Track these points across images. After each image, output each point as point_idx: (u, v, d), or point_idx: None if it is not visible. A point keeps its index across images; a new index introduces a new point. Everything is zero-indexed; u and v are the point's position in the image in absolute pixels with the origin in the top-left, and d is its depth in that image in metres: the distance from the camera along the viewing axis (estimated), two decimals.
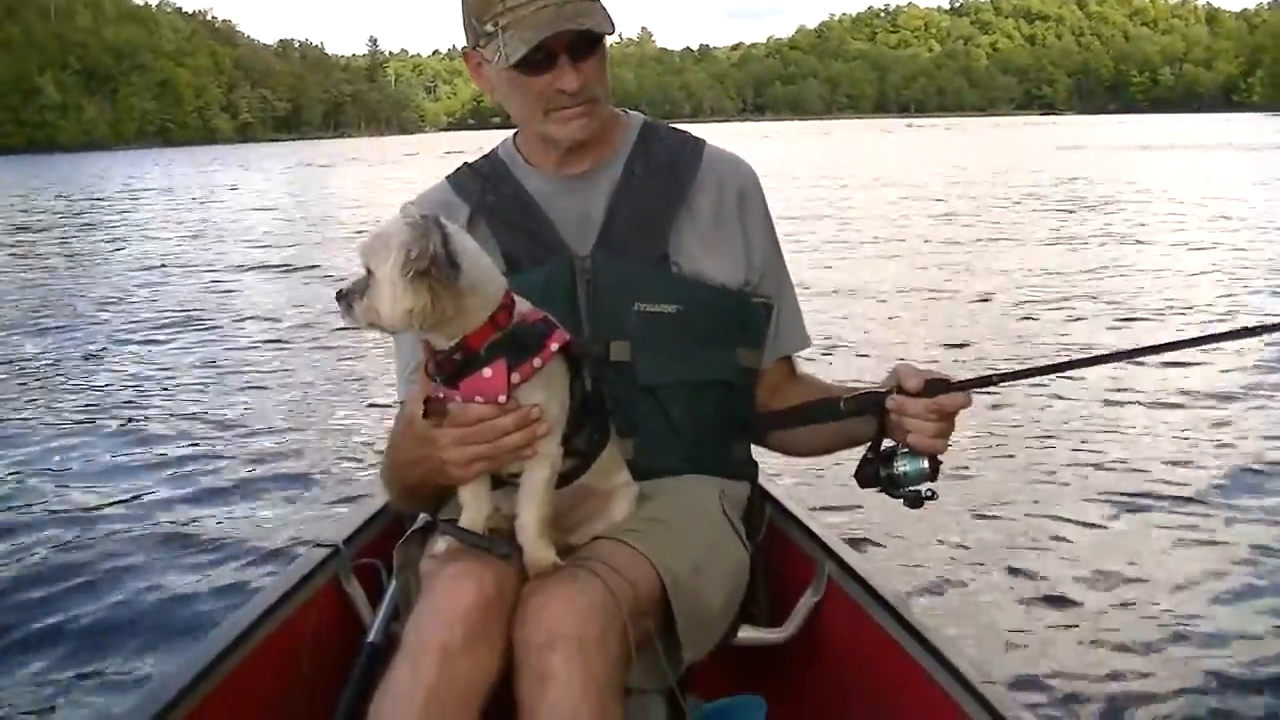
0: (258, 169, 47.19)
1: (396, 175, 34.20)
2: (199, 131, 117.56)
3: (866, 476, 1.72)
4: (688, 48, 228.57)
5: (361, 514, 2.25)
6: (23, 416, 6.65)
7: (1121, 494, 4.70)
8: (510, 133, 1.96)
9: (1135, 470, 5.00)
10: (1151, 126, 71.12)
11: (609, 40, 1.75)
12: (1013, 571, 3.96)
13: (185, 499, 5.04)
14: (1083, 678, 3.21)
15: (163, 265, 14.52)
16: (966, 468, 4.93)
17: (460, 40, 1.82)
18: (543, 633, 1.44)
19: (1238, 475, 4.94)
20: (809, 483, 4.23)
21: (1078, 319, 8.80)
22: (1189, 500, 4.64)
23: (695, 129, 2.03)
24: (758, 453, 1.98)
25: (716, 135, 2.15)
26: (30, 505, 4.98)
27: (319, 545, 2.07)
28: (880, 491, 1.72)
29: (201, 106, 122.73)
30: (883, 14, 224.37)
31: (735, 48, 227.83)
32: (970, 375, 1.74)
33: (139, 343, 9.12)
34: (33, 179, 41.04)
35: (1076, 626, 3.54)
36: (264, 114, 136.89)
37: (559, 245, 1.81)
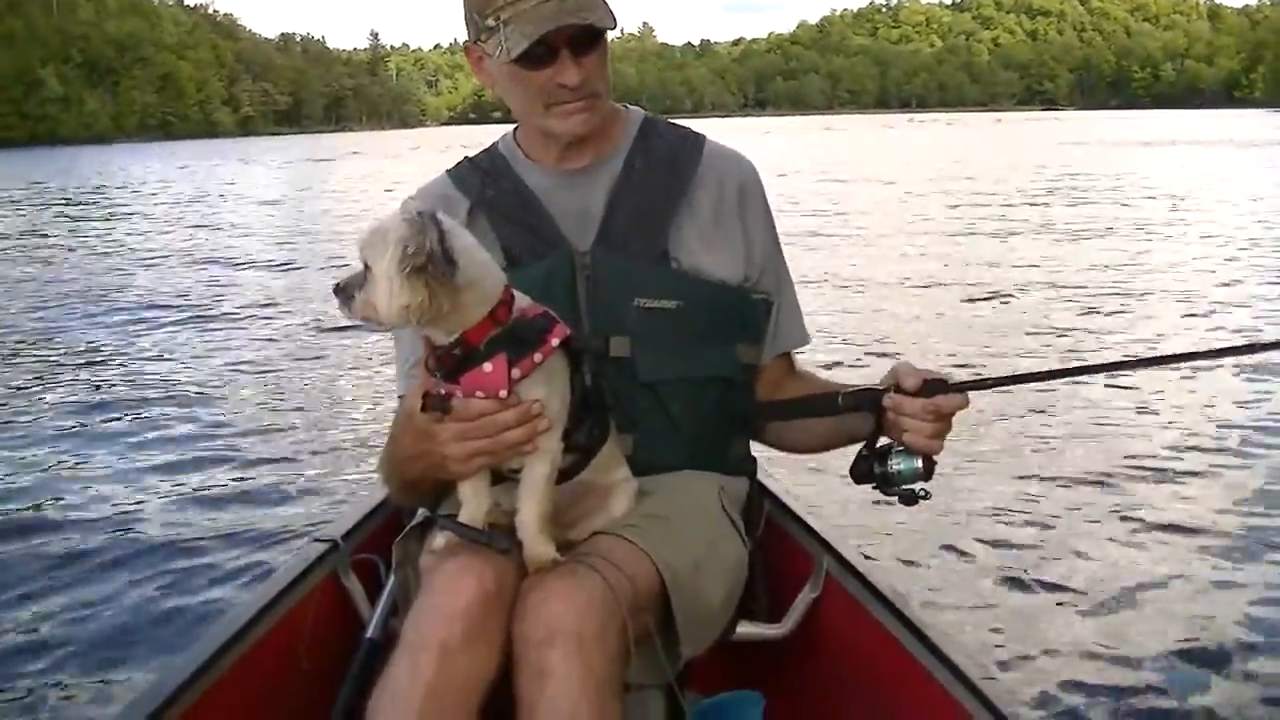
0: (259, 162, 47.15)
1: (399, 169, 34.16)
2: (200, 125, 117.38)
3: (861, 473, 1.72)
4: (689, 42, 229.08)
5: (360, 509, 2.24)
6: (18, 412, 6.65)
7: (1121, 495, 4.70)
8: (511, 127, 1.95)
9: (1135, 471, 4.99)
10: (1153, 122, 71.01)
11: (610, 35, 1.75)
12: (1010, 567, 3.96)
13: (183, 494, 5.04)
14: (1080, 673, 3.21)
15: (163, 260, 14.51)
16: (966, 464, 4.93)
17: (461, 34, 1.82)
18: (542, 628, 1.44)
19: (1238, 475, 4.94)
20: (808, 479, 4.23)
21: (1080, 314, 8.79)
22: (1189, 500, 4.64)
23: (696, 124, 2.03)
24: (756, 449, 1.98)
25: (717, 130, 2.15)
26: (27, 502, 4.98)
27: (317, 540, 2.07)
28: (875, 488, 1.72)
29: (203, 100, 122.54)
30: (884, 9, 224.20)
31: (736, 43, 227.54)
32: (969, 374, 1.74)
33: (137, 337, 9.12)
34: (34, 173, 40.99)
35: (1075, 623, 3.54)
36: (265, 108, 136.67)
37: (559, 240, 1.81)
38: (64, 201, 26.16)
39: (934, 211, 17.46)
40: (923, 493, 1.69)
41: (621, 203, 1.83)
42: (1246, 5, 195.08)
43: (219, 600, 3.82)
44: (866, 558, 2.04)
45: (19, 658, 3.48)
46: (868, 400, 1.72)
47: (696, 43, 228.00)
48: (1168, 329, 8.20)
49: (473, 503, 1.58)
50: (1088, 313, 8.87)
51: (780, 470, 2.51)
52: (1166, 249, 12.58)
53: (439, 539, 1.59)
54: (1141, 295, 9.67)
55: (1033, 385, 2.23)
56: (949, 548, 4.11)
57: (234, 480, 5.20)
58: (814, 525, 2.08)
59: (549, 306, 1.56)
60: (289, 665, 1.85)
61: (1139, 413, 5.84)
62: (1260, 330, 8.04)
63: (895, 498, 1.71)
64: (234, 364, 7.93)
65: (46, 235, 18.20)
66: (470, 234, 1.52)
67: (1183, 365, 6.62)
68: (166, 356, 8.27)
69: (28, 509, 4.87)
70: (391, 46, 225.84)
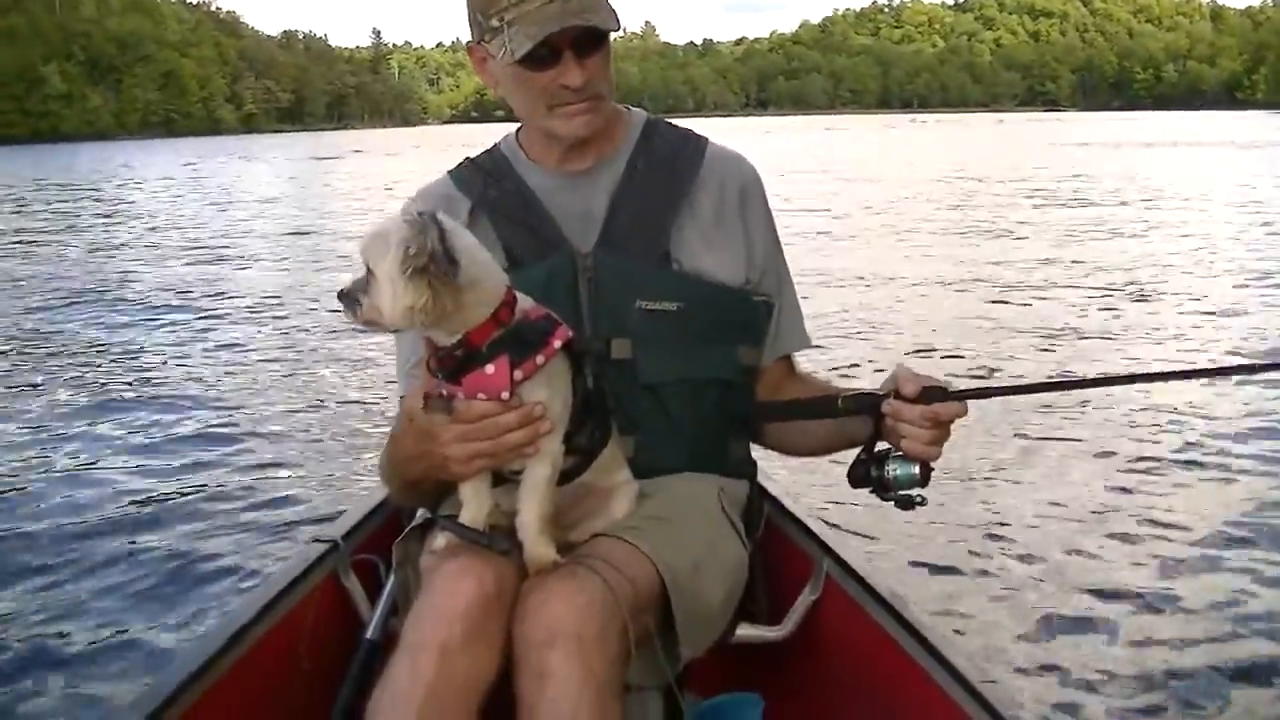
0: (261, 160, 47.17)
1: (401, 167, 34.16)
2: (203, 122, 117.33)
3: (858, 477, 1.73)
4: (691, 42, 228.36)
5: (360, 509, 2.24)
6: (18, 410, 6.65)
7: (1122, 499, 4.70)
8: (513, 126, 1.95)
9: (1136, 475, 4.99)
10: (1155, 123, 71.00)
11: (613, 35, 1.75)
12: (1011, 570, 3.96)
13: (183, 493, 5.04)
14: (1079, 675, 3.21)
15: (165, 257, 14.52)
16: (967, 468, 4.92)
17: (464, 33, 1.81)
18: (542, 630, 1.44)
19: (1239, 474, 4.95)
20: (808, 481, 4.23)
21: (1081, 316, 8.78)
22: (1189, 500, 4.65)
23: (698, 124, 2.02)
24: (756, 451, 1.98)
25: (719, 130, 2.15)
26: (26, 499, 4.98)
27: (317, 540, 2.07)
28: (871, 493, 1.73)
29: (206, 97, 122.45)
30: (886, 9, 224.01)
31: (738, 42, 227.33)
32: (969, 375, 1.75)
33: (138, 335, 9.12)
34: (36, 170, 40.99)
35: (1074, 625, 3.54)
36: (268, 105, 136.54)
37: (560, 241, 1.81)
38: (66, 199, 26.15)
39: (935, 212, 17.46)
40: (919, 499, 1.70)
41: (623, 204, 1.83)
42: (1249, 6, 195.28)
43: (219, 600, 3.82)
44: (866, 560, 2.04)
45: (19, 658, 3.48)
46: (867, 405, 1.73)
47: (699, 42, 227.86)
48: (1169, 333, 8.19)
49: (473, 504, 1.58)
50: (1089, 315, 8.86)
51: (780, 472, 2.52)
52: (1167, 250, 12.57)
53: (439, 540, 1.59)
54: (1142, 297, 9.66)
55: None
56: (949, 550, 4.11)
57: (234, 480, 5.20)
58: (814, 528, 2.08)
59: (550, 308, 1.56)
60: (289, 665, 1.85)
61: (1140, 416, 5.84)
62: (1265, 335, 8.01)
63: (892, 503, 1.71)
64: (235, 362, 7.93)
65: (48, 232, 18.19)
66: (471, 234, 1.52)
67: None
68: (167, 354, 8.27)
69: (27, 508, 4.86)
70: (394, 45, 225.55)
